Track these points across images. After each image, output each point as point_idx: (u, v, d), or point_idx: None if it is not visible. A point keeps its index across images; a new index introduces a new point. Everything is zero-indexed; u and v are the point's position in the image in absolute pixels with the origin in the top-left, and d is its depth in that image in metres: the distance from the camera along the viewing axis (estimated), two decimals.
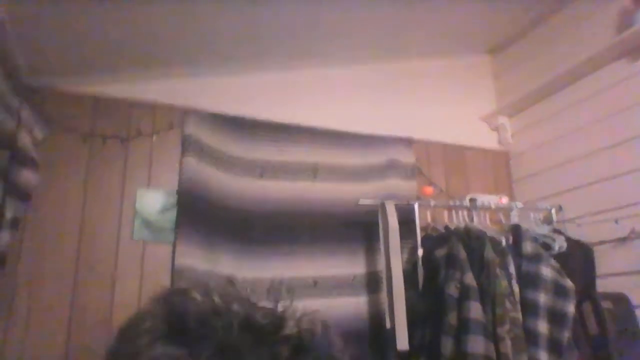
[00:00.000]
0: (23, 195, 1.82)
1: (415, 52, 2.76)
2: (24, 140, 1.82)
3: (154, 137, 2.12)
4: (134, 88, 2.17)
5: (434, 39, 2.70)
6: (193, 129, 2.15)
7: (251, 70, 2.41)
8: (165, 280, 1.95)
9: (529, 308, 1.84)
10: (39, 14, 1.68)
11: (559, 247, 2.02)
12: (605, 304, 1.99)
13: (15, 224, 1.76)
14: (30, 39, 1.78)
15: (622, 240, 2.04)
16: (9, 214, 1.71)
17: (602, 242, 2.12)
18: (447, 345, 1.75)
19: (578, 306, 1.96)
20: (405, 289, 1.94)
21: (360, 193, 2.33)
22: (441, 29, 2.60)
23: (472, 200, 2.24)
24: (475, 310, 1.73)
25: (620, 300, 1.99)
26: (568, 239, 2.08)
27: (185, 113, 2.18)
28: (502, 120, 2.81)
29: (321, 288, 2.15)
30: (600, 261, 2.12)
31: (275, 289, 2.07)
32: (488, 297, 1.78)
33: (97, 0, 1.70)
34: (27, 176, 1.83)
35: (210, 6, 1.91)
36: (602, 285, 2.09)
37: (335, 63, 2.58)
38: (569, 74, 2.40)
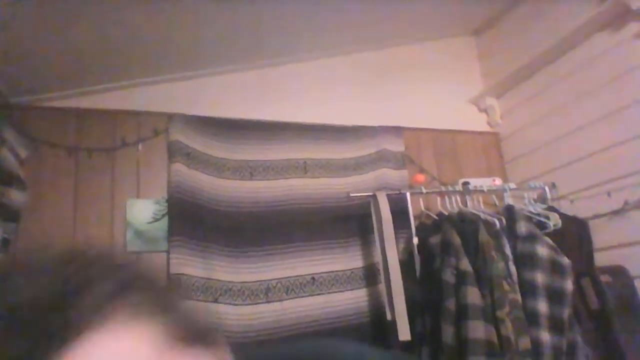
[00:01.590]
0: (12, 215, 1.81)
1: (398, 39, 2.74)
2: (8, 159, 1.80)
3: (140, 146, 2.11)
4: (116, 98, 2.15)
5: (417, 24, 2.68)
6: (178, 134, 2.13)
7: (234, 71, 2.39)
8: None
9: (527, 288, 1.83)
10: (17, 32, 1.66)
11: (554, 225, 2.00)
12: (604, 278, 1.98)
13: (5, 245, 1.75)
14: (9, 57, 1.76)
15: (617, 212, 2.03)
16: None
17: (596, 216, 2.11)
18: (448, 332, 1.74)
19: (577, 282, 1.96)
20: (403, 279, 1.93)
21: (352, 185, 2.32)
22: (423, 13, 2.58)
23: (464, 184, 2.23)
24: (472, 295, 1.72)
25: (619, 272, 1.98)
26: (562, 216, 2.07)
27: (169, 118, 2.16)
28: (490, 101, 2.80)
29: (319, 284, 2.14)
30: (597, 235, 2.11)
31: (274, 289, 2.06)
32: (485, 281, 1.77)
33: (73, 14, 1.69)
34: (15, 196, 1.82)
35: (188, 11, 1.89)
36: (600, 259, 2.09)
37: (318, 56, 2.56)
38: (553, 50, 2.38)
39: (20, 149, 1.89)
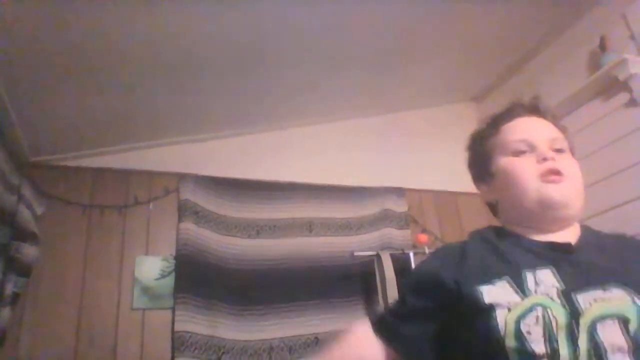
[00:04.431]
0: (24, 270, 1.85)
1: (402, 105, 2.87)
2: (24, 215, 1.87)
3: (151, 204, 2.18)
4: (130, 158, 2.25)
5: (419, 92, 2.82)
6: (189, 194, 2.21)
7: (242, 134, 2.50)
8: (165, 347, 1.94)
9: None
10: (38, 96, 1.78)
11: None
12: None
13: (15, 299, 1.78)
14: (30, 120, 1.87)
15: None
16: (9, 290, 1.74)
17: None
18: None
19: None
20: None
21: (356, 245, 2.36)
22: (425, 82, 2.72)
23: None
24: None
25: None
26: None
27: (181, 178, 2.25)
28: None
29: (323, 345, 2.13)
30: None
31: (277, 349, 2.05)
32: None
33: (92, 81, 1.81)
34: (28, 251, 1.87)
35: (199, 78, 2.01)
36: None
37: (323, 121, 2.68)
38: None
39: (36, 206, 1.97)
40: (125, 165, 2.22)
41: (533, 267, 0.75)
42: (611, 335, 0.65)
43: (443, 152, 2.85)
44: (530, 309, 0.69)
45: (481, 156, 0.96)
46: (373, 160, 2.70)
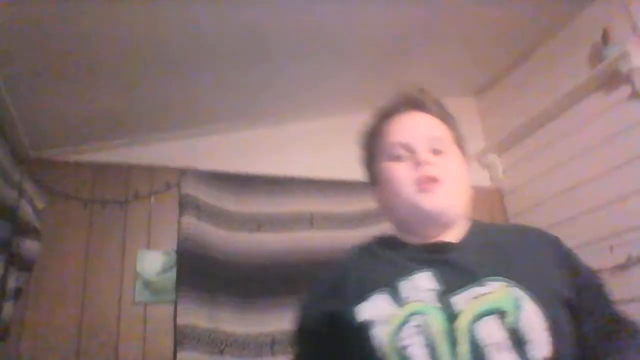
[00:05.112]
0: (26, 265, 1.85)
1: None
2: (25, 211, 1.87)
3: (152, 199, 2.18)
4: (131, 153, 2.25)
5: (421, 86, 2.80)
6: (190, 188, 2.21)
7: (245, 128, 2.50)
8: (168, 341, 1.95)
9: None
10: (39, 91, 1.77)
11: None
12: None
13: (17, 294, 1.79)
14: (31, 115, 1.87)
15: (620, 267, 2.04)
16: (11, 285, 1.74)
17: (600, 271, 2.13)
18: None
19: None
20: None
21: (358, 238, 2.35)
22: (425, 76, 2.69)
23: None
24: None
25: None
26: None
27: (182, 173, 2.25)
28: (492, 158, 2.88)
29: None
30: None
31: (279, 343, 2.05)
32: None
33: (92, 76, 1.81)
34: (30, 246, 1.87)
35: (201, 73, 2.01)
36: None
37: (325, 115, 2.67)
38: (551, 109, 2.48)
39: (37, 201, 1.97)
40: (126, 160, 2.22)
41: (409, 273, 0.72)
42: (490, 333, 0.63)
43: None
44: (407, 319, 0.66)
45: (367, 159, 0.93)
46: None
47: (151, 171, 2.24)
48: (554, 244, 0.82)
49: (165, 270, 2.05)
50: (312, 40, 2.01)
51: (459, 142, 0.89)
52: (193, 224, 2.13)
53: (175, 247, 2.10)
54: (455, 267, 0.73)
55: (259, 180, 2.38)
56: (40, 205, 1.98)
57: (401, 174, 0.81)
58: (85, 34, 1.59)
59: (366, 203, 2.50)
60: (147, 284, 2.01)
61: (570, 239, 2.38)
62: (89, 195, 2.11)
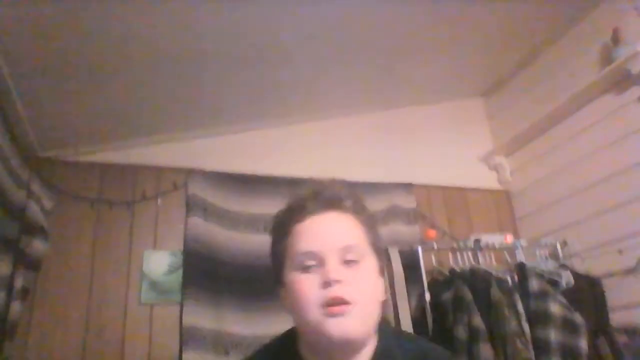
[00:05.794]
0: (33, 264, 1.86)
1: (410, 101, 2.85)
2: (33, 210, 1.88)
3: (159, 199, 2.18)
4: (138, 154, 2.25)
5: (427, 87, 2.80)
6: (196, 189, 2.21)
7: (251, 128, 2.50)
8: (174, 341, 1.95)
9: (540, 347, 1.81)
10: (47, 91, 1.78)
11: (567, 283, 2.00)
12: (622, 338, 1.95)
13: (25, 293, 1.80)
14: (39, 115, 1.88)
15: (630, 270, 2.02)
16: (19, 284, 1.75)
17: (609, 274, 2.11)
18: None
19: (593, 342, 1.93)
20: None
21: None
22: (433, 77, 2.70)
23: (476, 241, 2.25)
24: (485, 352, 1.70)
25: (635, 333, 1.95)
26: (575, 274, 2.06)
27: (188, 174, 2.25)
28: (500, 159, 2.86)
29: None
30: (610, 294, 2.09)
31: None
32: (498, 338, 1.76)
33: (99, 76, 1.81)
34: (37, 246, 1.88)
35: (208, 74, 2.01)
36: (615, 319, 2.05)
37: (332, 116, 2.67)
38: (559, 111, 2.45)
39: (45, 201, 1.98)
40: (133, 160, 2.23)
41: None
42: None
43: (452, 147, 2.85)
44: None
45: (274, 258, 0.84)
46: (381, 155, 2.69)
47: (158, 172, 2.24)
48: None
49: (171, 270, 2.06)
50: (318, 39, 2.01)
51: (375, 244, 0.83)
52: (200, 225, 2.13)
53: (181, 248, 2.10)
54: None
55: (265, 181, 2.37)
56: (48, 205, 1.99)
57: (309, 291, 0.75)
58: (92, 34, 1.59)
59: (373, 204, 2.50)
60: (154, 285, 2.02)
61: (579, 242, 2.38)
62: (96, 195, 2.11)
